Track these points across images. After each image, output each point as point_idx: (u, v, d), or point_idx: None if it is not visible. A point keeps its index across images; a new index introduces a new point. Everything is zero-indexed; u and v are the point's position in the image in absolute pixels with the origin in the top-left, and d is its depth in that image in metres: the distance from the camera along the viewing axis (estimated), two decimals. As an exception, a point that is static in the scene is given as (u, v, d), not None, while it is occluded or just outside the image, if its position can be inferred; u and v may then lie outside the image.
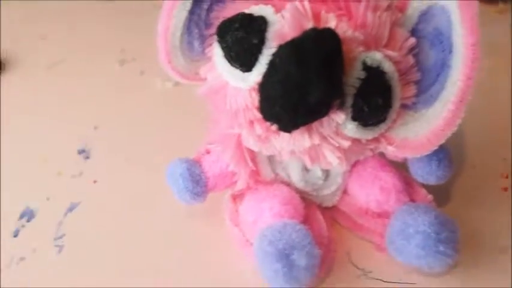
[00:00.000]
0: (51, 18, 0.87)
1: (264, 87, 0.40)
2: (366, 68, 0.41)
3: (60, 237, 0.53)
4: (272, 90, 0.39)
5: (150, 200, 0.57)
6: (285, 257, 0.44)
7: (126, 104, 0.69)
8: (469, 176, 0.59)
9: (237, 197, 0.53)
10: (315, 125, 0.42)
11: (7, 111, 0.69)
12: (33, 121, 0.67)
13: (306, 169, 0.51)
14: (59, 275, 0.50)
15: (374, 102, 0.41)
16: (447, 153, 0.50)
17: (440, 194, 0.55)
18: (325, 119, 0.41)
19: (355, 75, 0.41)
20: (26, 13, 0.86)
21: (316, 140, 0.42)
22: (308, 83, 0.38)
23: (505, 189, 0.58)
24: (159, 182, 0.53)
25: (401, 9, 0.46)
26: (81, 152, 0.63)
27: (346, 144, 0.43)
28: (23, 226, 0.55)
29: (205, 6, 0.47)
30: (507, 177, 0.59)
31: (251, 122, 0.43)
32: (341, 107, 0.41)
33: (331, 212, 0.54)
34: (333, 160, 0.44)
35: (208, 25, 0.47)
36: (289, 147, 0.43)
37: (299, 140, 0.43)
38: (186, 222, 0.55)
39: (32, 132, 0.66)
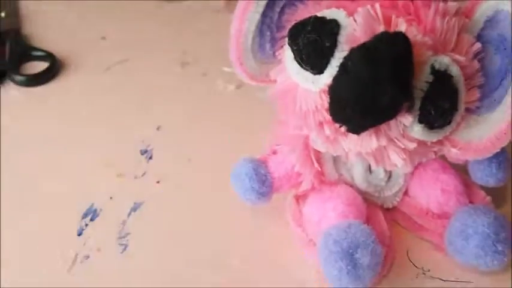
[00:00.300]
0: (111, 18, 0.88)
1: (334, 90, 0.41)
2: (434, 71, 0.42)
3: (124, 237, 0.54)
4: (343, 93, 0.40)
5: (214, 200, 0.58)
6: (349, 255, 0.45)
7: (189, 105, 0.70)
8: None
9: (300, 198, 0.54)
10: (383, 127, 0.43)
11: (69, 113, 0.70)
12: (94, 122, 0.68)
13: (369, 170, 0.52)
14: (124, 273, 0.51)
15: (441, 106, 0.43)
16: (506, 156, 0.51)
17: (497, 196, 0.56)
18: (392, 122, 0.43)
19: (423, 79, 0.42)
20: (85, 13, 0.87)
21: (383, 142, 0.44)
22: (379, 86, 0.39)
23: None
24: (222, 182, 0.54)
25: (468, 15, 0.47)
26: (143, 152, 0.64)
27: (411, 146, 0.44)
28: (86, 225, 0.56)
29: (277, 9, 0.48)
30: None
31: (320, 124, 0.44)
32: (409, 109, 0.42)
33: (392, 213, 0.55)
34: (398, 162, 0.46)
35: (280, 28, 0.49)
36: (357, 149, 0.45)
37: (367, 142, 0.44)
38: (251, 222, 0.56)
39: (94, 134, 0.66)
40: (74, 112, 0.69)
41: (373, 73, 0.39)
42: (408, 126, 0.43)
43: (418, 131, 0.43)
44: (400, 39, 0.40)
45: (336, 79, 0.41)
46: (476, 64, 0.46)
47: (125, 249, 0.53)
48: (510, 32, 0.44)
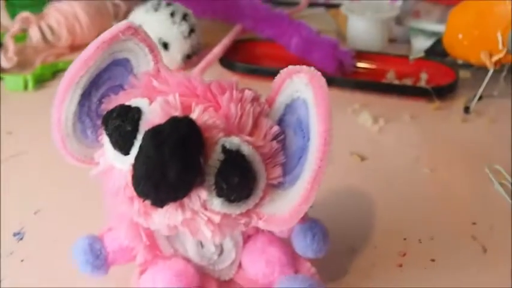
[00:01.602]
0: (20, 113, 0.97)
1: (134, 167, 0.46)
2: (225, 151, 0.47)
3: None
4: (138, 169, 0.46)
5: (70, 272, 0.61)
6: None
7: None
8: (369, 254, 0.65)
9: (142, 273, 0.58)
10: (186, 200, 0.47)
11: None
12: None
13: (201, 245, 0.57)
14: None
15: (232, 181, 0.47)
16: (321, 229, 0.56)
17: (338, 271, 0.62)
18: (193, 195, 0.47)
19: (215, 157, 0.47)
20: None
21: (188, 215, 0.48)
22: (165, 163, 0.44)
23: (400, 265, 0.63)
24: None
25: (270, 103, 0.53)
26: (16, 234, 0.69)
27: (216, 218, 0.49)
28: None
29: (94, 99, 0.53)
30: (404, 255, 0.65)
31: (130, 199, 0.49)
32: (203, 184, 0.47)
33: (228, 285, 0.59)
34: (207, 233, 0.50)
35: (99, 116, 0.53)
36: (166, 221, 0.49)
37: (173, 215, 0.48)
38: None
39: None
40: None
41: (158, 152, 0.44)
42: (208, 199, 0.48)
43: (217, 204, 0.48)
44: (185, 122, 0.45)
45: (135, 158, 0.46)
46: (274, 145, 0.51)
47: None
48: (305, 117, 0.50)
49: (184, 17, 1.10)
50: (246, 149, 0.48)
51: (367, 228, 0.70)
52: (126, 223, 0.54)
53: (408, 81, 1.08)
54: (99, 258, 0.56)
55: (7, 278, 0.63)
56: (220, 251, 0.58)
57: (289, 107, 0.52)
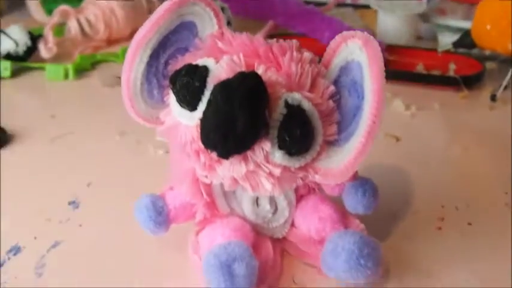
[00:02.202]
0: (62, 99, 1.02)
1: (202, 121, 0.50)
2: (288, 105, 0.51)
3: (41, 267, 0.62)
4: (207, 122, 0.49)
5: (124, 235, 0.66)
6: (226, 267, 0.52)
7: (120, 166, 0.81)
8: (410, 219, 0.68)
9: (199, 232, 0.61)
10: (249, 153, 0.51)
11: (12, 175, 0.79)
12: (33, 181, 0.78)
13: (256, 204, 0.60)
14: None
15: (294, 133, 0.51)
16: (372, 185, 0.59)
17: (381, 233, 0.65)
18: (256, 148, 0.51)
19: (278, 111, 0.50)
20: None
21: (251, 167, 0.51)
22: (234, 113, 0.47)
23: (439, 228, 0.66)
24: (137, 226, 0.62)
25: (326, 65, 0.56)
26: (71, 203, 0.73)
27: (277, 171, 0.52)
28: (9, 258, 0.63)
29: (162, 60, 0.57)
30: (443, 219, 0.68)
31: (197, 152, 0.52)
32: (267, 136, 0.50)
33: (281, 242, 0.63)
34: (267, 186, 0.53)
35: (165, 77, 0.57)
36: (230, 174, 0.52)
37: (237, 167, 0.52)
38: (158, 254, 0.64)
39: (32, 187, 0.76)
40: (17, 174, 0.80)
41: (228, 103, 0.48)
42: (270, 152, 0.51)
43: (279, 156, 0.51)
44: (252, 76, 0.49)
45: (204, 112, 0.50)
46: (331, 103, 0.54)
47: (39, 276, 0.60)
48: (359, 77, 0.53)
49: (222, 9, 1.13)
50: (307, 105, 0.52)
51: (406, 198, 0.73)
52: (188, 180, 0.58)
53: (436, 73, 1.10)
54: (161, 214, 0.60)
55: (64, 242, 0.66)
56: (275, 209, 0.61)
57: (344, 69, 0.55)
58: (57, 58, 1.16)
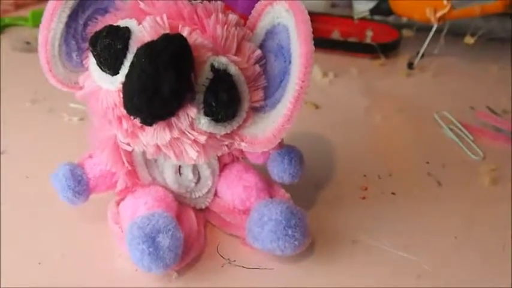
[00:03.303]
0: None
1: (125, 84, 0.47)
2: (214, 70, 0.49)
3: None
4: (131, 86, 0.46)
5: (42, 207, 0.63)
6: (151, 239, 0.50)
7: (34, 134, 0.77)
8: (333, 188, 0.68)
9: (120, 202, 0.59)
10: (174, 120, 0.49)
11: None
12: None
13: (179, 172, 0.58)
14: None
15: (221, 98, 0.49)
16: (298, 153, 0.58)
17: (306, 202, 0.64)
18: (181, 114, 0.48)
19: (204, 76, 0.48)
20: None
21: (175, 134, 0.49)
22: (159, 76, 0.45)
23: (363, 198, 0.66)
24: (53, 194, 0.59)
25: (251, 28, 0.54)
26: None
27: (202, 138, 0.50)
28: None
29: (81, 21, 0.54)
30: (366, 189, 0.67)
31: (119, 118, 0.50)
32: (193, 102, 0.48)
33: (204, 213, 0.61)
34: (192, 154, 0.51)
35: (85, 39, 0.54)
36: (153, 141, 0.50)
37: (161, 134, 0.49)
38: (76, 224, 0.61)
39: None
40: None
41: (153, 65, 0.45)
42: (195, 118, 0.49)
43: (204, 123, 0.49)
44: (177, 38, 0.46)
45: (126, 75, 0.47)
46: (257, 68, 0.52)
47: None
48: (286, 41, 0.51)
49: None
50: (233, 69, 0.50)
51: (329, 167, 0.73)
52: (109, 148, 0.55)
53: (353, 40, 1.10)
54: (80, 183, 0.57)
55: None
56: (198, 178, 0.59)
57: (269, 32, 0.54)
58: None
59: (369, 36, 1.10)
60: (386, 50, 1.05)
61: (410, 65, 1.02)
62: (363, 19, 1.13)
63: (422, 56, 1.02)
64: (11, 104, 0.84)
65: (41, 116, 0.82)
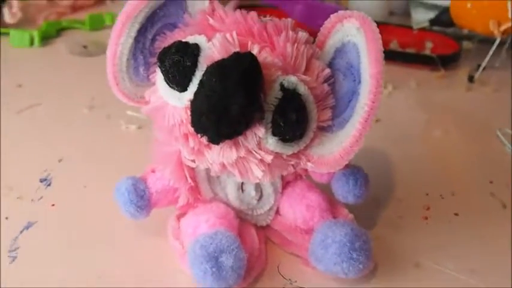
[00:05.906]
0: (27, 67, 0.97)
1: (193, 103, 0.46)
2: (283, 89, 0.48)
3: (14, 250, 0.58)
4: (199, 104, 0.46)
5: (103, 217, 0.62)
6: (214, 259, 0.49)
7: (92, 142, 0.77)
8: (395, 207, 0.66)
9: (180, 216, 0.58)
10: (240, 139, 0.48)
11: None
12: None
13: (241, 189, 0.57)
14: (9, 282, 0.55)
15: (290, 118, 0.48)
16: (363, 175, 0.57)
17: (367, 221, 0.62)
18: (249, 133, 0.47)
19: (273, 95, 0.47)
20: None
21: (242, 153, 0.48)
22: (228, 96, 0.44)
23: (426, 218, 0.64)
24: (113, 206, 0.58)
25: (320, 47, 0.53)
26: (43, 180, 0.69)
27: (268, 158, 0.49)
28: None
29: (149, 36, 0.53)
30: (428, 209, 0.66)
31: (185, 135, 0.49)
32: (261, 122, 0.47)
33: (265, 230, 0.60)
34: (258, 173, 0.50)
35: (152, 54, 0.53)
36: (219, 160, 0.49)
37: (227, 153, 0.48)
38: (136, 239, 0.60)
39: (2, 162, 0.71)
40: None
41: (222, 85, 0.44)
42: (263, 138, 0.48)
43: (272, 143, 0.48)
44: (248, 57, 0.46)
45: (195, 93, 0.46)
46: (326, 87, 0.51)
47: (13, 260, 0.57)
48: (355, 60, 0.50)
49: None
50: (302, 89, 0.49)
51: (389, 184, 0.71)
52: (172, 163, 0.54)
53: (412, 51, 1.08)
54: (143, 198, 0.56)
55: (37, 222, 0.62)
56: (260, 196, 0.58)
57: (339, 51, 0.53)
58: (20, 24, 1.11)
59: (428, 47, 1.08)
60: (446, 62, 1.03)
61: (471, 78, 1.00)
62: (421, 29, 1.11)
63: (484, 69, 0.99)
64: (69, 110, 0.84)
65: (98, 123, 0.82)
